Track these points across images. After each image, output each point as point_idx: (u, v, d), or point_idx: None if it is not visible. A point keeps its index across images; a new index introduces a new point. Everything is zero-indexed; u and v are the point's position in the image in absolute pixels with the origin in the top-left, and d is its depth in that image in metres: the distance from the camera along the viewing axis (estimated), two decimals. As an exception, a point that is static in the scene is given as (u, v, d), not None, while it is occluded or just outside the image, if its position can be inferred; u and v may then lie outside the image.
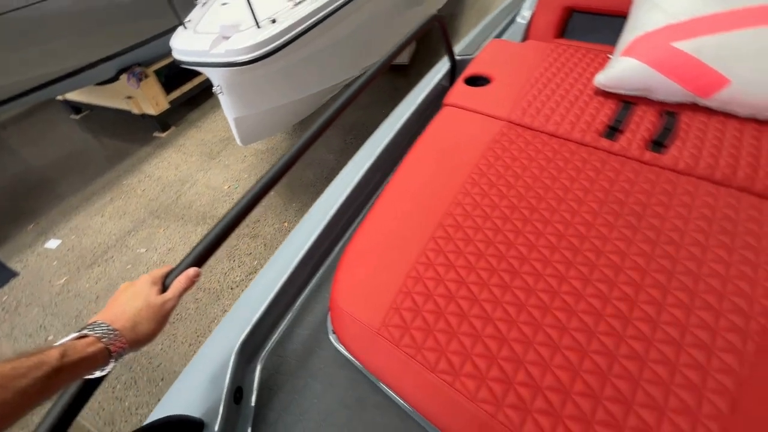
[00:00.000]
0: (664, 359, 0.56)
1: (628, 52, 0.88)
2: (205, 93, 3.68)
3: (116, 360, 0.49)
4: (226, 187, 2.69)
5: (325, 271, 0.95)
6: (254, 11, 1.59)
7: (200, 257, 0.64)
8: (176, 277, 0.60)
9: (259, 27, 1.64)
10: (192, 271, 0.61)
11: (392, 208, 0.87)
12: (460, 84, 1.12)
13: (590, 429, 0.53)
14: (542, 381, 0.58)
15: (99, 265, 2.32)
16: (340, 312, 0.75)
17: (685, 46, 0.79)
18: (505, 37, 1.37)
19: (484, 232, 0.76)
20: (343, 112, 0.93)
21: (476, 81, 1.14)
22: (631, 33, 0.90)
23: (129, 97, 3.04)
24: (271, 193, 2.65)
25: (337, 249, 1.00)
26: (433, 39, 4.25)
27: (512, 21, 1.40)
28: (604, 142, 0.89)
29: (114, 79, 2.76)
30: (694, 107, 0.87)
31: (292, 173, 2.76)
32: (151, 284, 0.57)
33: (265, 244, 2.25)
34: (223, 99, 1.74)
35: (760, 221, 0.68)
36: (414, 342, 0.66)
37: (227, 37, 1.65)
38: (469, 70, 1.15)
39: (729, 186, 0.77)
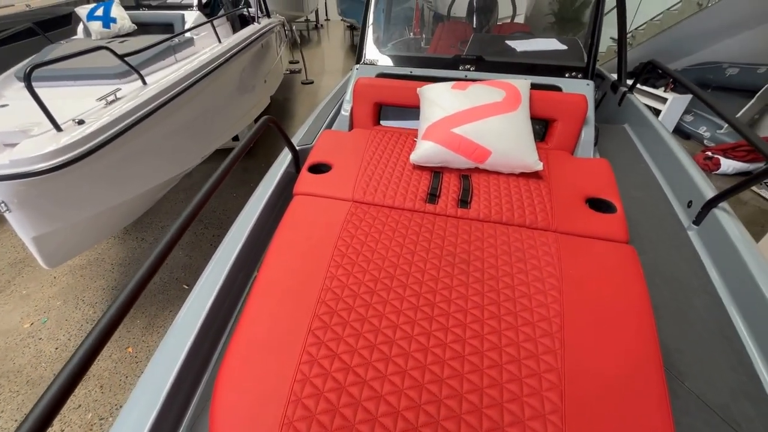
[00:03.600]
0: (514, 347, 0.75)
1: (426, 137, 1.16)
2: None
3: None
4: (27, 326, 2.01)
5: (197, 405, 0.79)
6: (50, 112, 1.36)
7: None
8: None
9: (60, 130, 1.40)
10: None
11: (263, 310, 0.82)
12: (305, 173, 1.20)
13: None
14: (439, 415, 0.63)
15: None
16: None
17: (458, 130, 1.11)
18: (334, 127, 1.56)
19: (356, 311, 0.80)
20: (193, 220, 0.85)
21: (318, 168, 1.24)
22: (424, 123, 1.21)
23: None
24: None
25: (208, 372, 0.85)
26: (273, 128, 4.46)
27: (338, 113, 1.61)
28: (429, 207, 1.10)
29: None
30: (478, 170, 1.19)
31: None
32: None
33: (101, 386, 1.73)
34: (13, 218, 1.36)
35: (534, 246, 0.96)
36: None
37: (11, 145, 1.34)
38: (311, 160, 1.25)
39: (512, 225, 1.05)
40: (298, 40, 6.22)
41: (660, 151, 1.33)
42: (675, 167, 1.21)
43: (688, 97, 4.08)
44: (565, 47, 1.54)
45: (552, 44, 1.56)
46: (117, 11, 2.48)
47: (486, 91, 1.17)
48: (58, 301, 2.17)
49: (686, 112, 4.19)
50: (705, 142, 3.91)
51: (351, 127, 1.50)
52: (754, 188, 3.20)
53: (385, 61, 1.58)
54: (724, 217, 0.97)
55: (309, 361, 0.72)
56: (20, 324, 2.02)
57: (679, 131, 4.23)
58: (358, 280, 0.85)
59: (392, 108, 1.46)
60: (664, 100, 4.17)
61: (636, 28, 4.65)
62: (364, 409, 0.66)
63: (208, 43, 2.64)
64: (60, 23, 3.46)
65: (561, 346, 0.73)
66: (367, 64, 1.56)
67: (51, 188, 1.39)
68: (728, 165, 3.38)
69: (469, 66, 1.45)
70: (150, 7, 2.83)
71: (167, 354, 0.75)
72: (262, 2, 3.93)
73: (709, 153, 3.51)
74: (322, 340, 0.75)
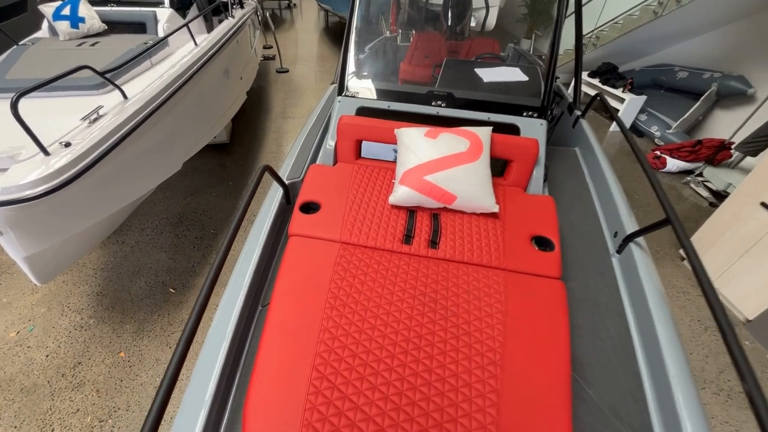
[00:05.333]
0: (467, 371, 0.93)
1: (402, 182, 1.34)
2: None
3: None
4: (13, 335, 2.04)
5: (227, 424, 0.92)
6: (38, 139, 1.38)
7: None
8: None
9: (48, 154, 1.43)
10: None
11: (275, 350, 0.97)
12: (297, 214, 1.32)
13: None
14: (412, 429, 0.82)
15: None
16: None
17: (430, 178, 1.28)
18: (319, 159, 1.67)
19: (348, 348, 0.97)
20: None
21: (309, 206, 1.35)
22: (401, 167, 1.37)
23: None
24: (90, 320, 2.19)
25: (231, 396, 0.98)
26: (249, 118, 4.40)
27: (321, 142, 1.70)
28: (405, 248, 1.26)
29: None
30: (446, 210, 1.37)
31: (119, 286, 2.36)
32: None
33: (97, 390, 1.82)
34: (5, 240, 1.39)
35: (488, 284, 1.14)
36: None
37: (2, 170, 1.37)
38: (301, 198, 1.36)
39: (471, 264, 1.23)
40: (272, 26, 6.02)
41: (600, 180, 1.54)
42: (609, 198, 1.42)
43: (643, 98, 4.40)
44: (526, 78, 1.71)
45: (516, 74, 1.71)
46: (85, 10, 2.37)
47: (453, 140, 1.33)
48: (42, 308, 2.19)
49: (641, 111, 4.52)
50: (656, 140, 4.26)
51: (335, 160, 1.61)
52: (692, 185, 3.58)
53: (365, 93, 1.69)
54: (638, 250, 1.18)
55: (314, 392, 0.88)
56: (5, 333, 2.04)
57: (635, 129, 4.57)
58: (349, 320, 1.01)
59: (372, 144, 1.59)
60: (622, 100, 4.47)
61: (599, 28, 4.88)
62: (358, 429, 0.83)
63: (182, 41, 2.60)
64: (15, 11, 3.23)
65: (501, 371, 0.93)
66: (348, 96, 1.65)
67: (42, 211, 1.42)
68: (673, 164, 3.74)
69: (440, 102, 1.59)
70: (119, 3, 2.71)
71: (201, 377, 0.89)
72: (234, -9, 3.81)
73: (658, 153, 3.85)
74: (323, 374, 0.91)
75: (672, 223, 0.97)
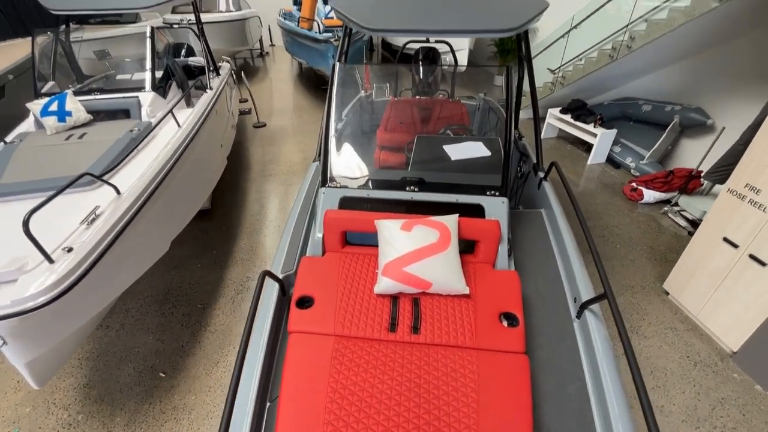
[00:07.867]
0: None
1: (385, 273, 1.58)
2: None
3: None
4: (-3, 441, 2.10)
5: None
6: (44, 249, 1.58)
7: None
8: None
9: (52, 261, 1.62)
10: None
11: None
12: (294, 310, 1.54)
13: None
14: None
15: None
16: None
17: (408, 269, 1.58)
18: (309, 250, 1.94)
19: None
20: None
21: (304, 300, 1.58)
22: (383, 258, 1.61)
23: None
24: (78, 416, 2.27)
25: None
26: (229, 179, 4.66)
27: (309, 235, 1.96)
28: (391, 335, 1.47)
29: None
30: (425, 294, 1.64)
31: (106, 375, 2.46)
32: None
33: (92, 494, 1.89)
34: (8, 349, 1.55)
35: (463, 365, 1.36)
36: None
37: (10, 281, 1.55)
38: (296, 294, 1.59)
39: (448, 346, 1.45)
40: (247, 83, 6.47)
41: (562, 246, 1.83)
42: (569, 265, 1.69)
43: (614, 131, 4.90)
44: (489, 153, 2.05)
45: (479, 149, 2.06)
46: (71, 104, 2.65)
47: (425, 232, 1.64)
48: (26, 407, 2.26)
49: (615, 143, 5.02)
50: (632, 171, 4.71)
51: (324, 249, 1.87)
52: (670, 215, 3.96)
53: (346, 174, 2.00)
54: (592, 317, 1.44)
55: None
56: (-11, 440, 2.11)
57: (612, 161, 5.04)
58: (349, 411, 1.22)
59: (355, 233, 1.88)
60: (595, 135, 4.96)
61: (563, 66, 5.49)
62: None
63: (164, 121, 2.89)
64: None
65: None
66: (331, 187, 1.95)
67: (44, 318, 1.59)
68: (650, 195, 4.13)
69: (413, 187, 1.90)
70: (102, 91, 3.02)
71: None
72: (209, 60, 4.22)
73: (634, 185, 4.26)
74: None
75: (607, 298, 1.24)
